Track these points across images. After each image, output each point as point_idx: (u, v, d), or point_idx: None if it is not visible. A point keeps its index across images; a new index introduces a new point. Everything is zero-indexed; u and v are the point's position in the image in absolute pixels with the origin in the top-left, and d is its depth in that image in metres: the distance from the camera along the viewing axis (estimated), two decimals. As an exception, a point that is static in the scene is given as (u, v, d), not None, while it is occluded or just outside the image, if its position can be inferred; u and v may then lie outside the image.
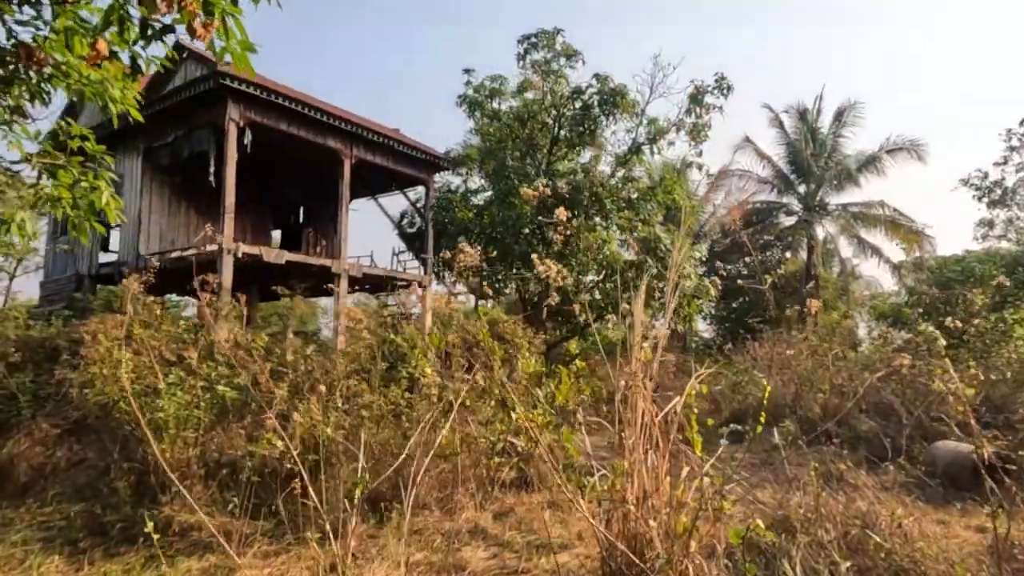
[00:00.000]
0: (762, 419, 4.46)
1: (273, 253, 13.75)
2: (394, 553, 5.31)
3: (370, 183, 17.48)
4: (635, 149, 11.64)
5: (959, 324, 12.54)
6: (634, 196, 11.50)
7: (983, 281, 21.61)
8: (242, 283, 13.17)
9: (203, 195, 15.01)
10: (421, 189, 17.52)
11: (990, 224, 17.86)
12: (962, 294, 18.39)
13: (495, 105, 12.14)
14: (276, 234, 20.94)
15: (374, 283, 18.39)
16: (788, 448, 12.56)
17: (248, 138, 13.30)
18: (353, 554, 4.86)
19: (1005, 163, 17.48)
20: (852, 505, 5.42)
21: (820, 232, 28.05)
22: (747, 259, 31.41)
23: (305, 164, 16.54)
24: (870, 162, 26.48)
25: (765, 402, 4.95)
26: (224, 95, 12.88)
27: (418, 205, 17.46)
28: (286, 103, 13.70)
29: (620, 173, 11.82)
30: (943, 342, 6.55)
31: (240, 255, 12.96)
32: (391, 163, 16.78)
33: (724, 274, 32.40)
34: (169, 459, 6.23)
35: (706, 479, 4.13)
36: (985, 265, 21.20)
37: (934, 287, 21.52)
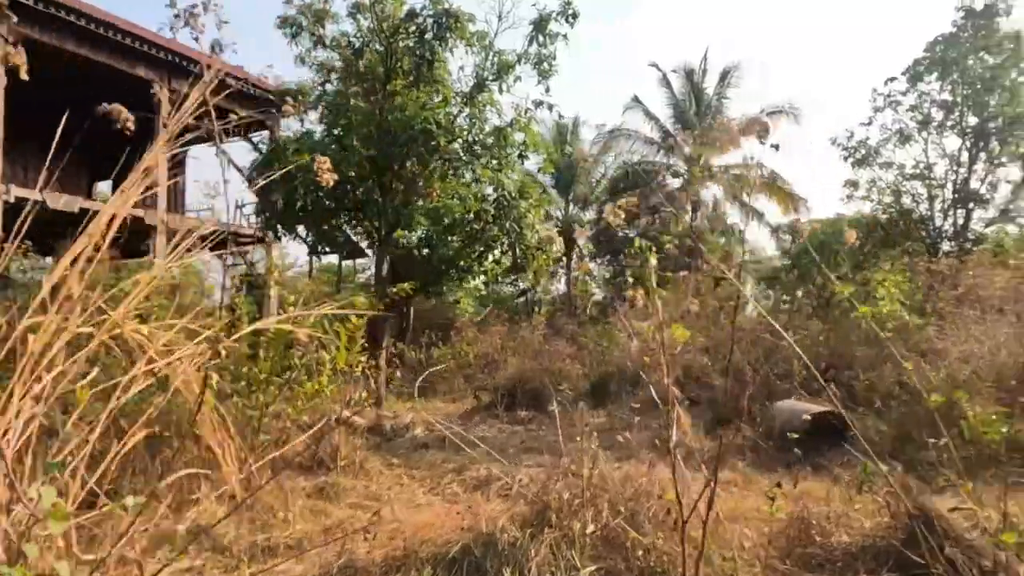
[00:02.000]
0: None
1: (61, 199, 11.62)
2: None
3: (203, 126, 15.34)
4: (480, 85, 10.38)
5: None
6: (480, 139, 10.25)
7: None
8: (30, 240, 11.01)
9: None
10: (268, 135, 15.62)
11: (855, 185, 17.94)
12: (832, 256, 18.59)
13: (322, 30, 10.51)
14: (106, 188, 18.44)
15: (222, 243, 16.39)
16: (639, 413, 11.73)
17: (23, 60, 10.99)
18: None
19: (870, 123, 17.51)
20: (631, 483, 4.51)
21: (707, 195, 28.10)
22: (639, 222, 31.18)
23: (119, 100, 14.22)
24: (751, 124, 26.49)
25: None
26: (-16, 2, 10.54)
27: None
28: (74, 18, 11.47)
29: (465, 113, 10.51)
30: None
31: (11, 200, 10.83)
32: (225, 102, 14.70)
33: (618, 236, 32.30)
34: None
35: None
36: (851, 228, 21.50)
37: (809, 250, 21.87)
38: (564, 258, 32.34)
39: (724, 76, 27.26)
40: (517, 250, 10.49)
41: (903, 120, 17.18)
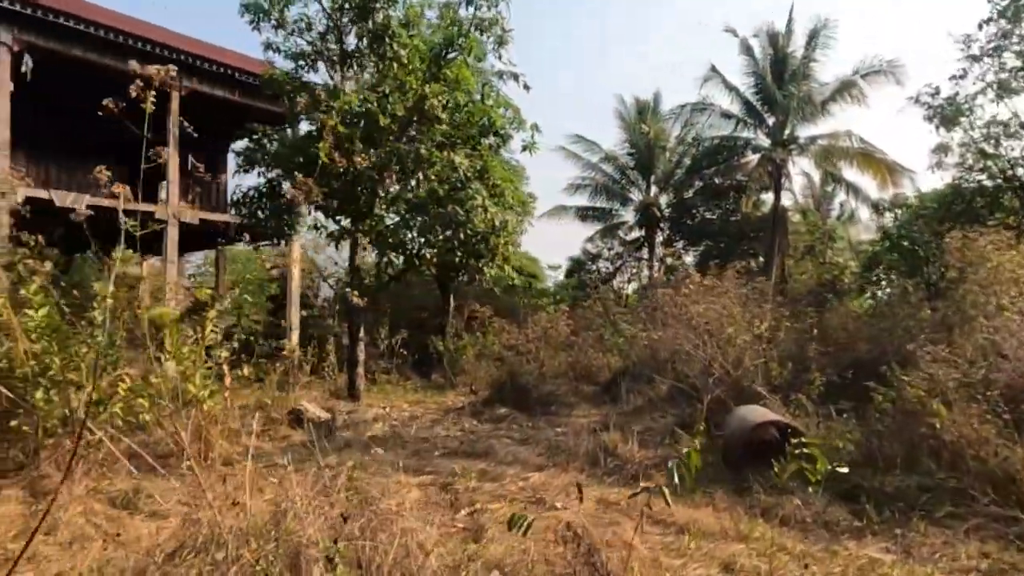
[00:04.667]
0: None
1: (69, 197, 12.25)
2: None
3: (218, 120, 15.67)
4: (438, 59, 9.60)
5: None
6: (432, 115, 9.46)
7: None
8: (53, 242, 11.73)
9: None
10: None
11: (945, 149, 15.21)
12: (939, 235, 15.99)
13: (282, 13, 10.20)
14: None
15: (253, 235, 16.83)
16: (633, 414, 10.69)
17: (29, 65, 11.69)
18: None
19: (964, 76, 14.70)
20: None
21: (793, 169, 25.38)
22: (716, 202, 28.95)
23: (134, 102, 14.84)
24: (844, 88, 23.53)
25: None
26: (-11, 13, 11.26)
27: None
28: (74, 24, 12.01)
29: (426, 89, 9.78)
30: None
31: (20, 200, 11.52)
32: (239, 96, 15.03)
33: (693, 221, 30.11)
34: None
35: None
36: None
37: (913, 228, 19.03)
38: (646, 244, 30.74)
39: (812, 37, 24.36)
40: (461, 235, 9.65)
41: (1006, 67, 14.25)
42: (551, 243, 58.63)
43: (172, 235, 13.43)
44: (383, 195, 10.16)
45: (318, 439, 9.27)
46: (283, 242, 15.96)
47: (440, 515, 5.38)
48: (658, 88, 33.84)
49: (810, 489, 4.61)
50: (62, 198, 12.15)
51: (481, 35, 9.54)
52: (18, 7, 11.36)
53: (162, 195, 14.36)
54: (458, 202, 9.42)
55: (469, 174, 9.43)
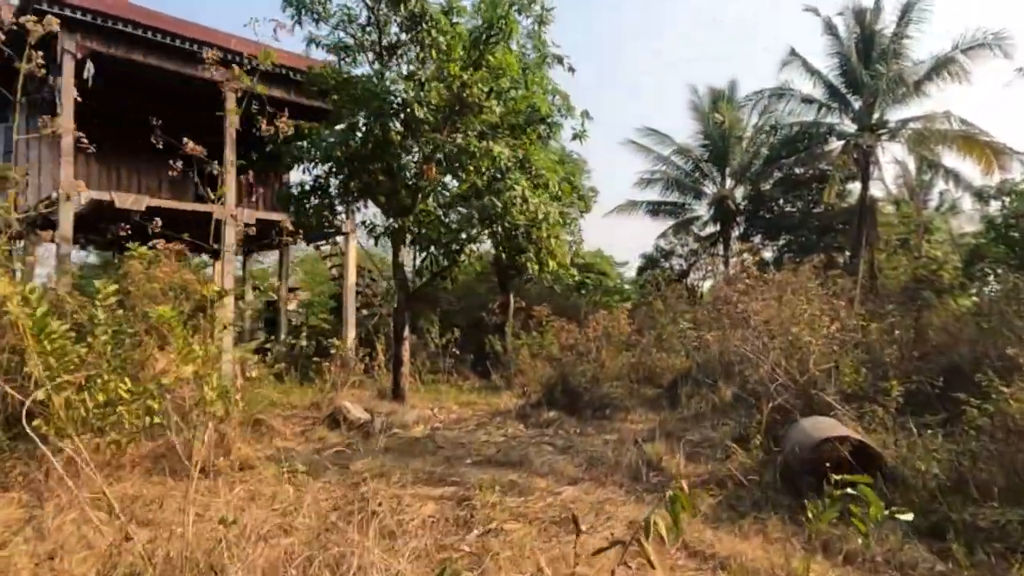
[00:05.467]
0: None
1: (129, 199, 12.55)
2: None
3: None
4: (477, 43, 9.07)
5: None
6: (474, 103, 8.92)
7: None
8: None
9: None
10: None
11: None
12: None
13: (328, 5, 9.99)
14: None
15: (319, 235, 16.93)
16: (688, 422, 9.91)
17: (90, 71, 12.03)
18: None
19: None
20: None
21: (883, 156, 23.40)
22: (792, 193, 27.19)
23: (193, 103, 15.13)
24: (942, 66, 21.43)
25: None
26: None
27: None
28: (133, 30, 12.27)
29: (467, 77, 9.28)
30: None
31: (83, 202, 11.88)
32: (295, 95, 15.03)
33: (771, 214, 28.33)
34: None
35: None
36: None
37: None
38: (721, 239, 29.23)
39: (905, 11, 22.32)
40: (500, 229, 9.06)
41: None
42: (629, 239, 56.96)
43: (229, 234, 13.54)
44: (425, 189, 9.78)
45: (355, 441, 9.02)
46: (339, 240, 15.93)
47: (450, 535, 4.88)
48: (734, 76, 31.73)
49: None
50: (123, 199, 12.45)
51: (520, 15, 8.99)
52: (79, 15, 11.69)
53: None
54: (495, 193, 8.89)
55: (510, 164, 8.88)
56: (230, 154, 13.86)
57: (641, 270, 31.98)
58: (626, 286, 30.35)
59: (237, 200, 14.00)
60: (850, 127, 23.21)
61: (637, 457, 6.80)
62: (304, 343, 15.88)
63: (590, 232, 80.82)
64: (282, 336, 17.67)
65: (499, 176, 8.94)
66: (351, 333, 15.84)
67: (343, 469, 7.09)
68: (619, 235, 72.99)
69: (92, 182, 12.66)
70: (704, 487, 5.95)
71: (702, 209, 29.39)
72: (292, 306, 23.62)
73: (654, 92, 77.59)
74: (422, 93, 9.01)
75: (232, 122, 14.19)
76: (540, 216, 8.92)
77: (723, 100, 29.31)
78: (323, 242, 17.61)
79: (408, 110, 8.79)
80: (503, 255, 10.09)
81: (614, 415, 10.89)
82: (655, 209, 29.75)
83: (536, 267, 9.86)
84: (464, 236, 9.33)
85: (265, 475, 6.44)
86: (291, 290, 24.38)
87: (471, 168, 9.04)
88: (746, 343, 7.64)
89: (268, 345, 16.17)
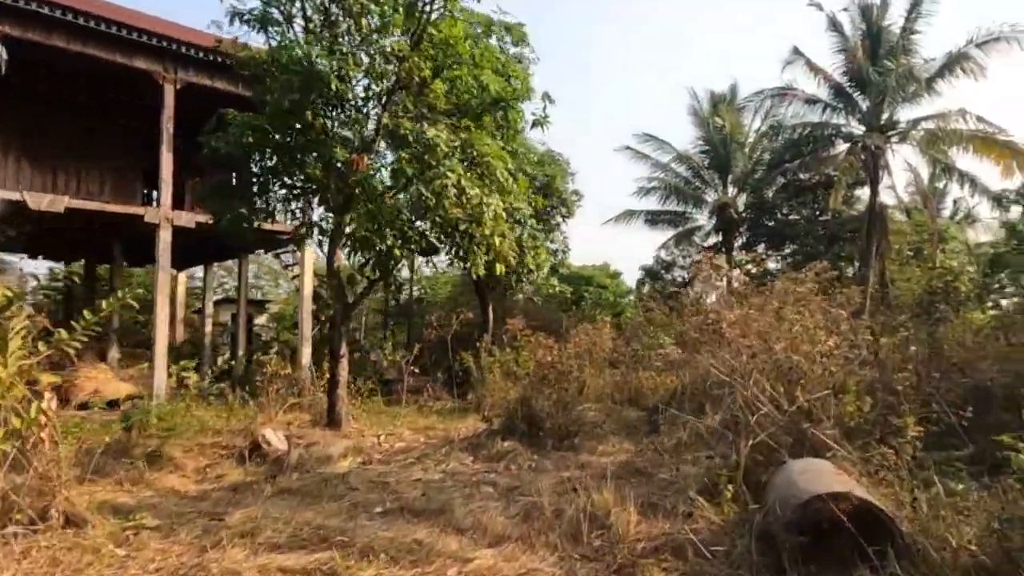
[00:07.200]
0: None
1: (45, 199, 11.25)
2: None
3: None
4: (414, 8, 7.73)
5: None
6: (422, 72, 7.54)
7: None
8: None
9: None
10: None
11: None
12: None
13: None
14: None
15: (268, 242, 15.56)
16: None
17: (3, 56, 10.80)
18: None
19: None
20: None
21: (893, 161, 21.88)
22: (797, 200, 25.72)
23: (123, 93, 13.88)
24: (955, 62, 19.99)
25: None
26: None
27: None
28: (51, 12, 11.06)
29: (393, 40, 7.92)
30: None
31: (-8, 201, 10.61)
32: (244, 90, 13.75)
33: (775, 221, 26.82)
34: None
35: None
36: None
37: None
38: (723, 249, 27.71)
39: (913, 5, 20.95)
40: (433, 225, 7.68)
41: None
42: (630, 249, 55.60)
43: (164, 239, 12.24)
44: (359, 182, 8.40)
45: (259, 480, 7.58)
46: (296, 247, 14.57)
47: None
48: (735, 81, 30.41)
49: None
50: (36, 200, 11.16)
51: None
52: (-10, -6, 10.52)
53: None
54: (426, 183, 7.50)
55: (446, 150, 7.48)
56: (166, 151, 12.60)
57: (640, 283, 30.51)
58: (623, 299, 28.89)
59: (175, 203, 12.69)
60: (857, 128, 21.80)
61: (580, 510, 5.30)
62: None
63: (599, 244, 79.44)
64: (239, 352, 16.29)
65: (433, 164, 7.55)
66: (307, 350, 14.46)
67: (215, 522, 5.64)
68: (622, 245, 71.64)
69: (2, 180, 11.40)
70: (656, 557, 4.45)
71: (703, 218, 27.98)
72: (262, 320, 22.27)
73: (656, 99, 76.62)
74: (343, 65, 7.65)
75: (168, 117, 13.03)
76: (481, 210, 7.51)
77: (724, 104, 28.01)
78: (283, 250, 16.28)
79: (319, 81, 7.43)
80: (454, 259, 8.75)
81: (582, 444, 9.41)
82: (654, 219, 28.33)
83: (483, 271, 8.45)
84: (394, 234, 7.93)
85: (96, 533, 5.01)
86: (259, 303, 23.07)
87: (404, 156, 7.67)
88: (722, 363, 6.18)
89: (231, 362, 14.83)
